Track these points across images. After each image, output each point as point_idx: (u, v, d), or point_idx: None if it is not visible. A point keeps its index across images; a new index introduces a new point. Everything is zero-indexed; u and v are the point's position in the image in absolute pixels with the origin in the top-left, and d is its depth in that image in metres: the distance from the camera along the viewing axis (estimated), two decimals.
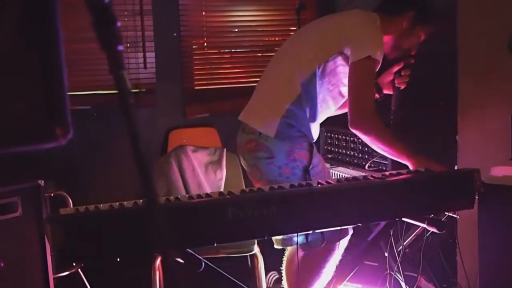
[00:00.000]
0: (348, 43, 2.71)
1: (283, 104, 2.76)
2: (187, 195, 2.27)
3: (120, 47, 1.15)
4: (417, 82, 3.22)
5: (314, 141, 2.90)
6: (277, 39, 4.62)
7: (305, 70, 2.77)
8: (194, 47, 4.43)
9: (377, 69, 2.75)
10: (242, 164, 2.98)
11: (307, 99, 2.77)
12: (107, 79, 4.00)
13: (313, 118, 2.83)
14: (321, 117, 2.91)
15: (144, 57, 4.21)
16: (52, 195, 3.27)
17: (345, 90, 2.84)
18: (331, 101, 2.90)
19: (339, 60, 2.76)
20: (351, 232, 2.83)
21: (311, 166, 2.79)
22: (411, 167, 2.64)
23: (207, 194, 2.27)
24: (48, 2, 1.17)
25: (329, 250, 2.77)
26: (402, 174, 2.49)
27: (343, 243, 2.83)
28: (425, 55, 3.36)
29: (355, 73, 2.68)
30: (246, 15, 4.54)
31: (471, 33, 3.32)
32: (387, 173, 2.55)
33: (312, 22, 3.10)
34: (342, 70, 2.79)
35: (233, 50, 4.57)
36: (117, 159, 4.12)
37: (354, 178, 2.45)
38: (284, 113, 2.74)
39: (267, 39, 4.62)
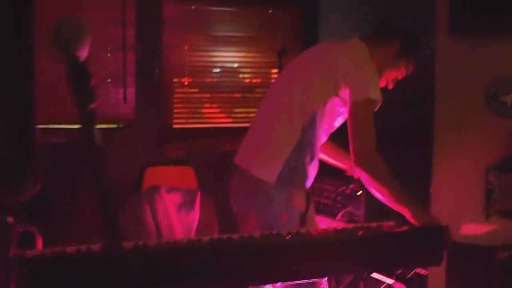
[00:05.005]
0: (346, 84, 2.69)
1: (284, 150, 2.74)
2: (156, 241, 2.26)
3: (93, 105, 1.16)
4: (392, 130, 3.23)
5: (312, 180, 2.89)
6: (258, 81, 4.67)
7: (304, 114, 2.75)
8: (175, 84, 4.44)
9: (378, 107, 2.74)
10: (233, 207, 2.91)
11: (307, 142, 2.77)
12: None
13: (313, 158, 2.82)
14: (318, 152, 2.89)
15: (124, 92, 4.21)
16: (21, 231, 3.21)
17: (337, 123, 2.86)
18: (325, 137, 2.92)
19: (337, 101, 2.75)
20: None
21: (308, 213, 2.80)
22: (408, 218, 2.58)
23: (176, 240, 2.27)
24: (27, 35, 1.18)
25: None
26: (372, 228, 2.51)
27: None
28: (403, 103, 3.37)
29: (356, 114, 2.67)
30: (228, 56, 4.59)
31: (449, 83, 3.35)
32: (357, 225, 2.55)
33: (305, 54, 3.02)
34: (339, 109, 2.79)
35: (213, 90, 4.59)
36: (90, 194, 4.07)
37: (324, 230, 2.46)
38: (285, 159, 2.73)
39: (248, 80, 4.66)
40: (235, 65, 4.63)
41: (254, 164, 2.79)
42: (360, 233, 2.41)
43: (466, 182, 3.43)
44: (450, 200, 3.37)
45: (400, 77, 2.94)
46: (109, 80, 4.17)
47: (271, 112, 2.87)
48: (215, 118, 4.61)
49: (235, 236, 2.32)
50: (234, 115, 4.60)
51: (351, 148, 2.66)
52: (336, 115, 2.82)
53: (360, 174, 2.66)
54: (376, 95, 2.68)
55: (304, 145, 2.76)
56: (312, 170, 2.85)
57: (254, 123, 2.99)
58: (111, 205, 1.15)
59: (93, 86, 1.15)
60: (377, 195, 2.63)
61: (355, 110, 2.68)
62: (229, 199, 2.91)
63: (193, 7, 4.47)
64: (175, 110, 4.46)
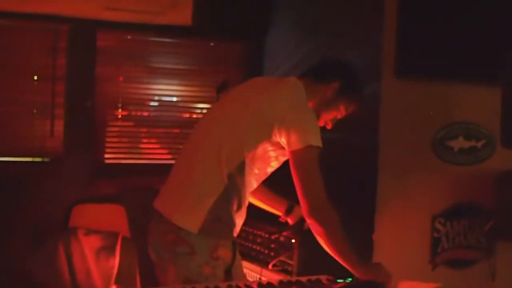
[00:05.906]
0: (282, 129, 2.53)
1: (209, 197, 2.54)
2: None
3: None
4: (333, 174, 3.09)
5: (238, 230, 2.72)
6: (198, 116, 4.52)
7: (232, 159, 2.57)
8: (108, 117, 4.30)
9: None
10: (152, 256, 2.68)
11: (235, 189, 2.59)
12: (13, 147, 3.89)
13: (240, 206, 2.64)
14: (246, 200, 2.72)
15: (52, 124, 4.08)
16: None
17: (270, 170, 2.72)
18: (256, 183, 2.75)
19: (269, 145, 2.60)
20: None
21: (234, 265, 2.65)
22: (356, 273, 2.44)
23: None
24: None
25: None
26: (301, 282, 2.33)
27: None
28: (345, 147, 3.27)
29: (299, 163, 2.51)
30: (166, 89, 4.46)
31: (394, 127, 3.26)
32: (285, 280, 2.38)
33: (237, 91, 2.85)
34: (271, 154, 2.64)
35: (150, 124, 4.45)
36: (11, 231, 3.90)
37: (246, 284, 2.29)
38: (209, 208, 2.53)
39: (187, 115, 4.53)
40: (174, 98, 4.51)
41: (175, 211, 2.57)
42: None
43: (411, 230, 3.31)
44: (394, 249, 3.28)
45: (339, 117, 2.80)
46: (35, 111, 4.04)
47: (197, 154, 2.65)
48: (152, 154, 4.46)
49: None
50: (170, 152, 4.43)
51: (300, 198, 2.50)
52: (269, 160, 2.67)
53: (311, 225, 2.49)
54: (317, 141, 2.52)
55: (231, 193, 2.57)
56: (239, 219, 2.66)
57: (177, 163, 2.78)
58: None
59: None
60: (325, 246, 2.49)
61: (297, 159, 2.52)
62: (147, 247, 2.68)
63: (129, 37, 4.36)
64: (108, 145, 4.31)
